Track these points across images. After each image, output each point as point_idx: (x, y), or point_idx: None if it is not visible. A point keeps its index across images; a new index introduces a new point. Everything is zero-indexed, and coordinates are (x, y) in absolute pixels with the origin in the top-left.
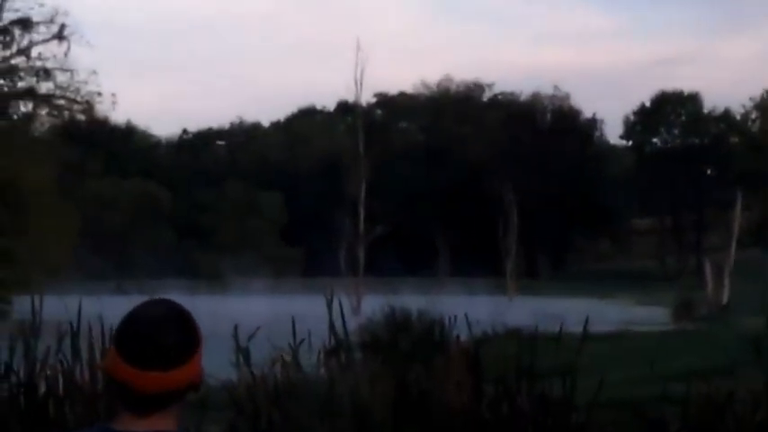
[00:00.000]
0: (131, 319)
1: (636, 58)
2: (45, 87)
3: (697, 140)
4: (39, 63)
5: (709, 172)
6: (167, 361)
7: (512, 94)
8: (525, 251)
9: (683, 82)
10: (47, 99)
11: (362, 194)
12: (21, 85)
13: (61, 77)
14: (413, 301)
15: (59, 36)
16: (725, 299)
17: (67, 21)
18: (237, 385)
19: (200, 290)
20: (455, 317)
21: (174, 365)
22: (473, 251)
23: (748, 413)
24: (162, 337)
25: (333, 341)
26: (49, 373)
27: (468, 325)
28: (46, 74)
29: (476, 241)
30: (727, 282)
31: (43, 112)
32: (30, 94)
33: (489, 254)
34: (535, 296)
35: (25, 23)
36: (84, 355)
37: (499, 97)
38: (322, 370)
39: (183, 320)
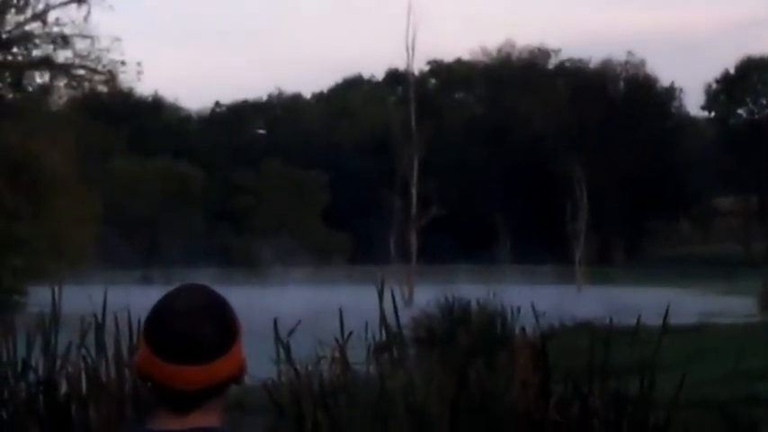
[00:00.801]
0: (162, 310)
1: (719, 20)
2: (63, 56)
3: None
4: (56, 29)
5: None
6: (205, 354)
7: (580, 60)
8: (596, 236)
9: None
10: (65, 69)
11: (414, 173)
12: (36, 53)
13: (81, 45)
14: (471, 290)
15: None
16: None
17: None
18: (279, 385)
19: (235, 279)
20: (519, 308)
21: (212, 358)
22: (538, 236)
23: None
24: (197, 328)
25: (384, 335)
26: (70, 370)
27: (535, 317)
28: (64, 41)
29: (541, 225)
30: None
31: (61, 83)
32: (46, 63)
33: (556, 239)
34: (607, 285)
35: None
36: (110, 350)
37: (566, 65)
38: (372, 367)
39: (218, 308)
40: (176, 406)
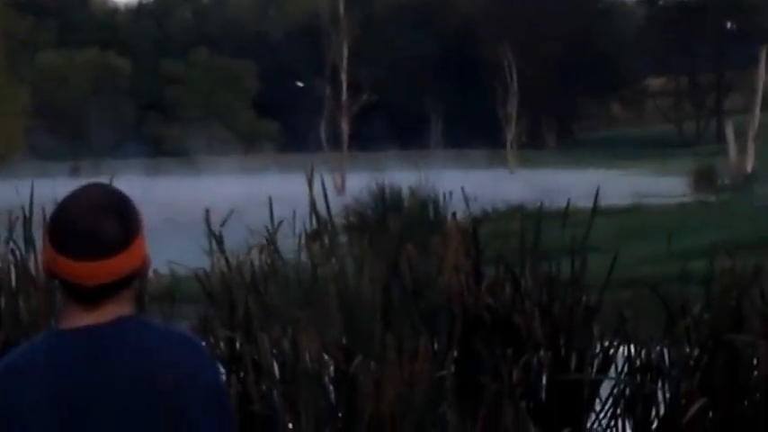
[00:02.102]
0: (64, 208)
1: None
2: None
3: None
4: None
5: (729, 26)
6: (105, 250)
7: None
8: (527, 119)
9: None
10: None
11: (344, 60)
12: None
13: None
14: (403, 177)
15: None
16: (749, 166)
17: None
18: (210, 274)
19: (165, 169)
20: (450, 193)
21: (112, 254)
22: (469, 121)
23: None
24: (97, 225)
25: (315, 223)
26: None
27: (466, 201)
28: None
29: (472, 110)
30: (751, 147)
31: None
32: None
33: (487, 123)
34: (539, 168)
35: None
36: (39, 243)
37: None
38: (304, 255)
39: (118, 205)
40: (83, 301)
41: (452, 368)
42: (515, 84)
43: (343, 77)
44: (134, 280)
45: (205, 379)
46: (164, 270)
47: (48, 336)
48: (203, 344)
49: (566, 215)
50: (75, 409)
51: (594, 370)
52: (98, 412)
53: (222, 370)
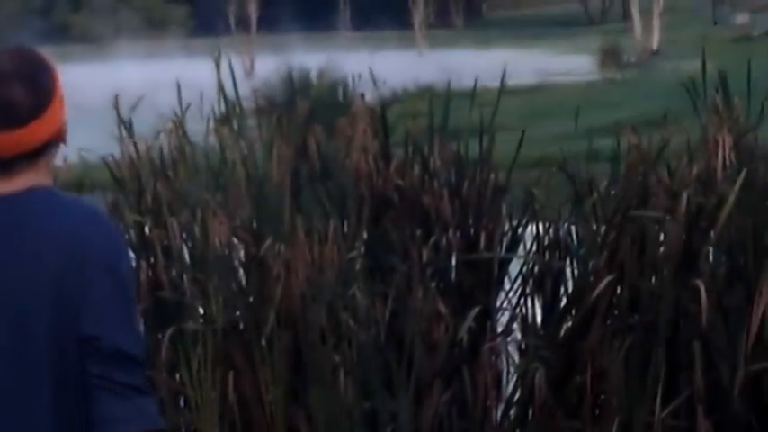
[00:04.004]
0: None
1: None
2: None
3: None
4: None
5: None
6: (16, 119)
7: None
8: (436, 0)
9: None
10: None
11: None
12: None
13: None
14: (312, 59)
15: None
16: (655, 44)
17: None
18: (119, 161)
19: (74, 56)
20: (359, 75)
21: (24, 123)
22: (378, 2)
23: (685, 165)
24: (5, 92)
25: (223, 107)
26: None
27: (374, 83)
28: None
29: None
30: (656, 24)
31: None
32: None
33: (395, 4)
34: (448, 49)
35: None
36: None
37: None
38: (212, 138)
39: (30, 71)
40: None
41: (362, 250)
42: None
43: None
44: (52, 147)
45: (101, 247)
46: (73, 158)
47: None
48: (107, 217)
49: (473, 95)
50: None
51: (503, 249)
52: (10, 276)
53: (132, 255)
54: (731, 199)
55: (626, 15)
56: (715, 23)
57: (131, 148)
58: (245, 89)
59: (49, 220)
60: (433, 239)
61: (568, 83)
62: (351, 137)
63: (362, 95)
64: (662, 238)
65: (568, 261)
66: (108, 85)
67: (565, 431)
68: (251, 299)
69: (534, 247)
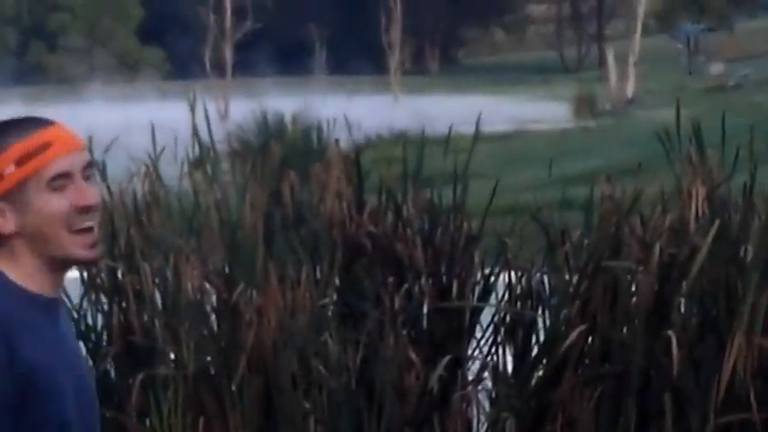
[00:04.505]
0: None
1: None
2: None
3: None
4: None
5: None
6: None
7: None
8: (412, 45)
9: None
10: None
11: None
12: None
13: None
14: (287, 103)
15: None
16: (630, 92)
17: None
18: None
19: (50, 97)
20: (334, 119)
21: None
22: (353, 46)
23: (658, 216)
24: None
25: (197, 150)
26: None
27: (349, 128)
28: None
29: (356, 36)
30: (632, 73)
31: None
32: None
33: (371, 49)
34: (423, 95)
35: None
36: None
37: None
38: (186, 182)
39: None
40: None
41: (334, 296)
42: (399, 9)
43: (228, 4)
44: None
45: None
46: None
47: None
48: None
49: (448, 141)
50: None
51: (475, 297)
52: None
53: (104, 300)
54: (704, 250)
55: (601, 63)
56: (690, 73)
57: (104, 192)
58: (219, 133)
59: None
60: (405, 287)
61: (543, 130)
62: (325, 182)
63: (337, 141)
64: (634, 288)
65: (540, 310)
66: (82, 127)
67: None
68: (222, 344)
69: (506, 296)
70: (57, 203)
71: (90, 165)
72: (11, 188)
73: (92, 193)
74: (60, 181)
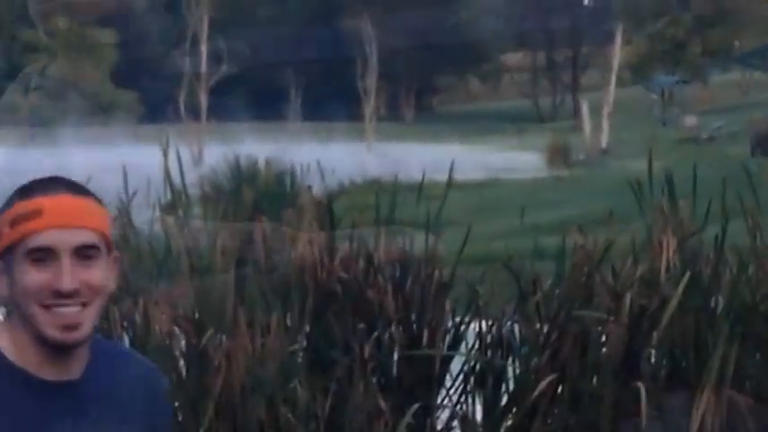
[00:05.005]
0: None
1: None
2: None
3: None
4: None
5: (586, 2)
6: None
7: None
8: (386, 93)
9: None
10: None
11: (204, 31)
12: None
13: None
14: (261, 149)
15: None
16: (604, 142)
17: None
18: None
19: (23, 140)
20: (308, 166)
21: None
22: (328, 93)
23: (629, 266)
24: None
25: (170, 194)
26: None
27: (322, 174)
28: None
29: (331, 82)
30: (605, 123)
31: None
32: None
33: (346, 96)
34: (398, 142)
35: None
36: None
37: None
38: (157, 226)
39: None
40: None
41: (304, 343)
42: (375, 57)
43: (203, 48)
44: None
45: None
46: None
47: None
48: None
49: (421, 189)
50: None
51: (446, 346)
52: None
53: None
54: (674, 301)
55: (576, 113)
56: (664, 124)
57: None
58: (192, 177)
59: None
60: (375, 334)
61: (516, 179)
62: (297, 228)
63: (310, 187)
64: (604, 338)
65: (511, 359)
66: (54, 170)
67: None
68: (190, 390)
69: (477, 345)
70: (32, 279)
71: (87, 246)
72: (4, 250)
73: (70, 279)
74: (40, 255)
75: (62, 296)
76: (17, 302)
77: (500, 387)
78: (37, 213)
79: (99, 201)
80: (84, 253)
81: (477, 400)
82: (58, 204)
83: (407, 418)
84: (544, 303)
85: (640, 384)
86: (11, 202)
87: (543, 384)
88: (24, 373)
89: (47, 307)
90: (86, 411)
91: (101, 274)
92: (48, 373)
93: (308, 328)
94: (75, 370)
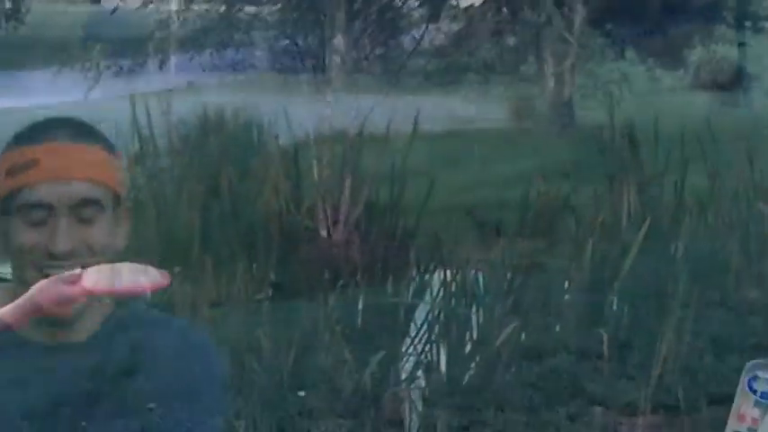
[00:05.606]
0: None
1: None
2: None
3: None
4: None
5: None
6: None
7: None
8: (353, 44)
9: None
10: None
11: None
12: None
13: None
14: (230, 99)
15: None
16: (567, 93)
17: None
18: None
19: None
20: (275, 116)
21: None
22: (296, 45)
23: (590, 215)
24: None
25: (138, 145)
26: None
27: (289, 125)
28: None
29: (298, 36)
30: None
31: None
32: None
33: (311, 48)
34: (364, 93)
35: None
36: None
37: None
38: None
39: None
40: None
41: (269, 292)
42: (343, 12)
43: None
44: None
45: None
46: None
47: None
48: None
49: (386, 140)
50: None
51: (410, 294)
52: None
53: None
54: (635, 248)
55: (540, 64)
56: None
57: None
58: (161, 127)
59: None
60: (340, 283)
61: (481, 129)
62: (263, 178)
63: (276, 137)
64: (566, 285)
65: (475, 308)
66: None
67: None
68: None
69: (441, 294)
70: (25, 238)
71: (88, 201)
72: (2, 199)
73: (64, 240)
74: (34, 211)
75: (57, 258)
76: (12, 262)
77: (464, 335)
78: (33, 163)
79: (109, 146)
80: (82, 210)
81: (441, 348)
82: (55, 153)
83: (372, 368)
84: (507, 251)
85: (602, 331)
86: (9, 147)
87: (506, 332)
88: (16, 336)
89: (41, 270)
90: (86, 375)
91: (103, 233)
92: (45, 334)
93: (273, 277)
94: (78, 332)
